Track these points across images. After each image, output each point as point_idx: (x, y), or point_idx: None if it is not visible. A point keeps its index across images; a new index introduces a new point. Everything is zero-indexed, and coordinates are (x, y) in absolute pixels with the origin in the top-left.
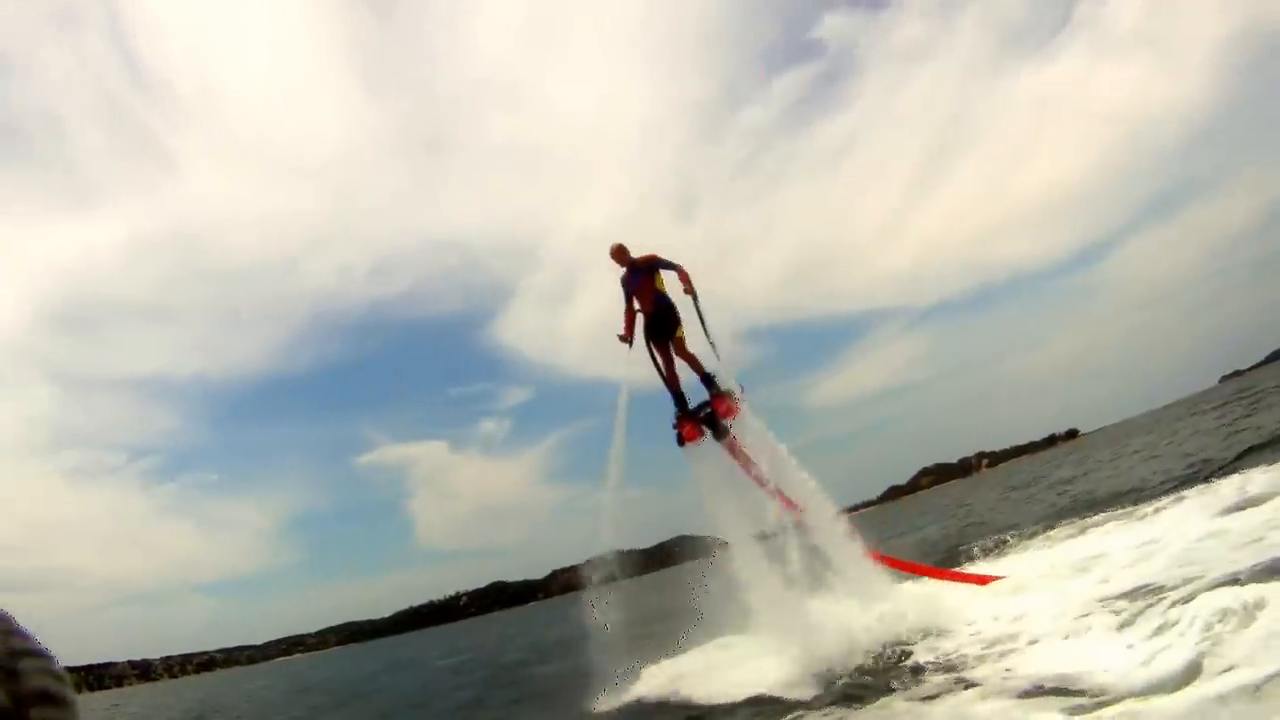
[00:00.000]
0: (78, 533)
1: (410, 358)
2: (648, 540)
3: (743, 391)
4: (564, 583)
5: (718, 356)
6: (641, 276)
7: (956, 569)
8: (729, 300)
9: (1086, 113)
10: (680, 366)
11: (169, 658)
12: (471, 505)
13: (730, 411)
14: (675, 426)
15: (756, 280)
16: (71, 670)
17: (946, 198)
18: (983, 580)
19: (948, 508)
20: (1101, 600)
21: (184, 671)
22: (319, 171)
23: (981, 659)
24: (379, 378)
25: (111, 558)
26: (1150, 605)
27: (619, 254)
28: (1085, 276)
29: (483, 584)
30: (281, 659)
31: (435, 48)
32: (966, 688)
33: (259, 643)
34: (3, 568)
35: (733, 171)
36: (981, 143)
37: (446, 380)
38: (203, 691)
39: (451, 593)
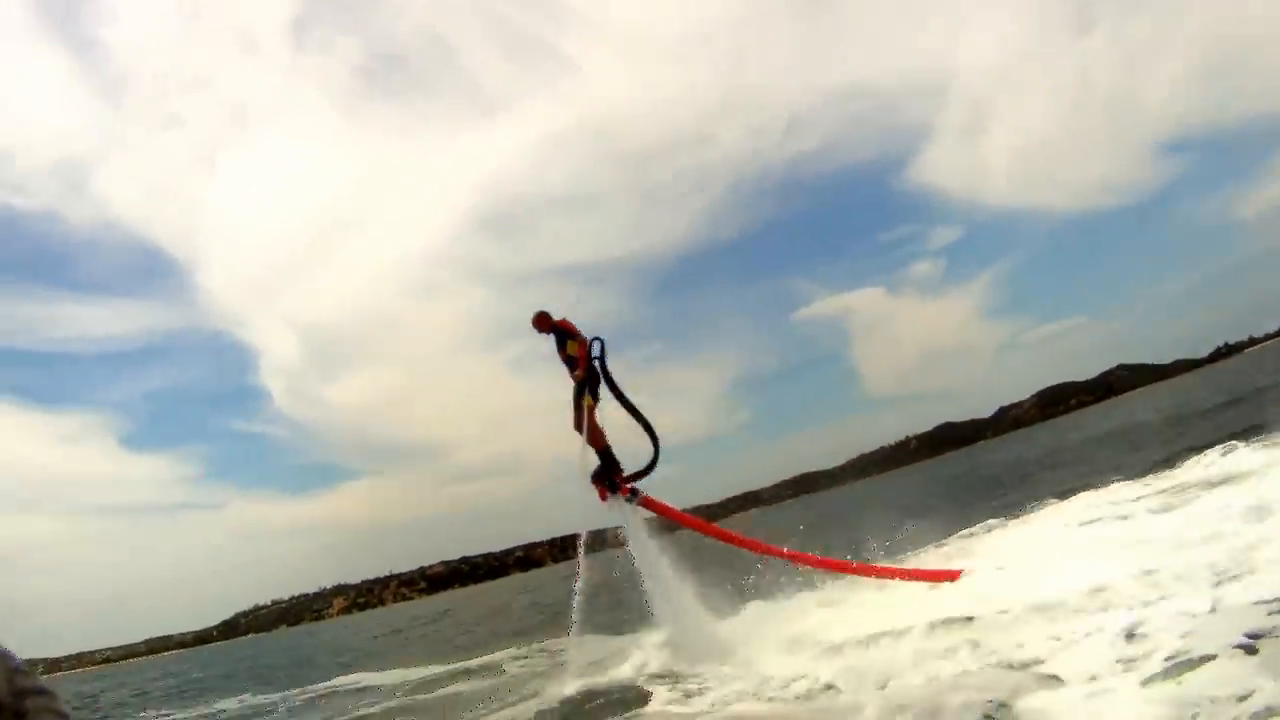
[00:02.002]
0: (530, 418)
1: (834, 209)
2: (1088, 371)
3: (634, 485)
4: (1013, 419)
5: (650, 434)
6: (559, 342)
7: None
8: (1141, 112)
9: None
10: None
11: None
12: (912, 348)
13: (623, 489)
14: (594, 480)
15: (1167, 86)
16: (536, 545)
17: None
18: (938, 576)
19: None
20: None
21: None
22: (712, 40)
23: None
24: (805, 233)
25: (565, 437)
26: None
27: (539, 322)
28: None
29: (930, 426)
30: (740, 513)
31: None
32: None
33: (716, 501)
34: (471, 458)
35: None
36: None
37: (873, 227)
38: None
39: (901, 437)
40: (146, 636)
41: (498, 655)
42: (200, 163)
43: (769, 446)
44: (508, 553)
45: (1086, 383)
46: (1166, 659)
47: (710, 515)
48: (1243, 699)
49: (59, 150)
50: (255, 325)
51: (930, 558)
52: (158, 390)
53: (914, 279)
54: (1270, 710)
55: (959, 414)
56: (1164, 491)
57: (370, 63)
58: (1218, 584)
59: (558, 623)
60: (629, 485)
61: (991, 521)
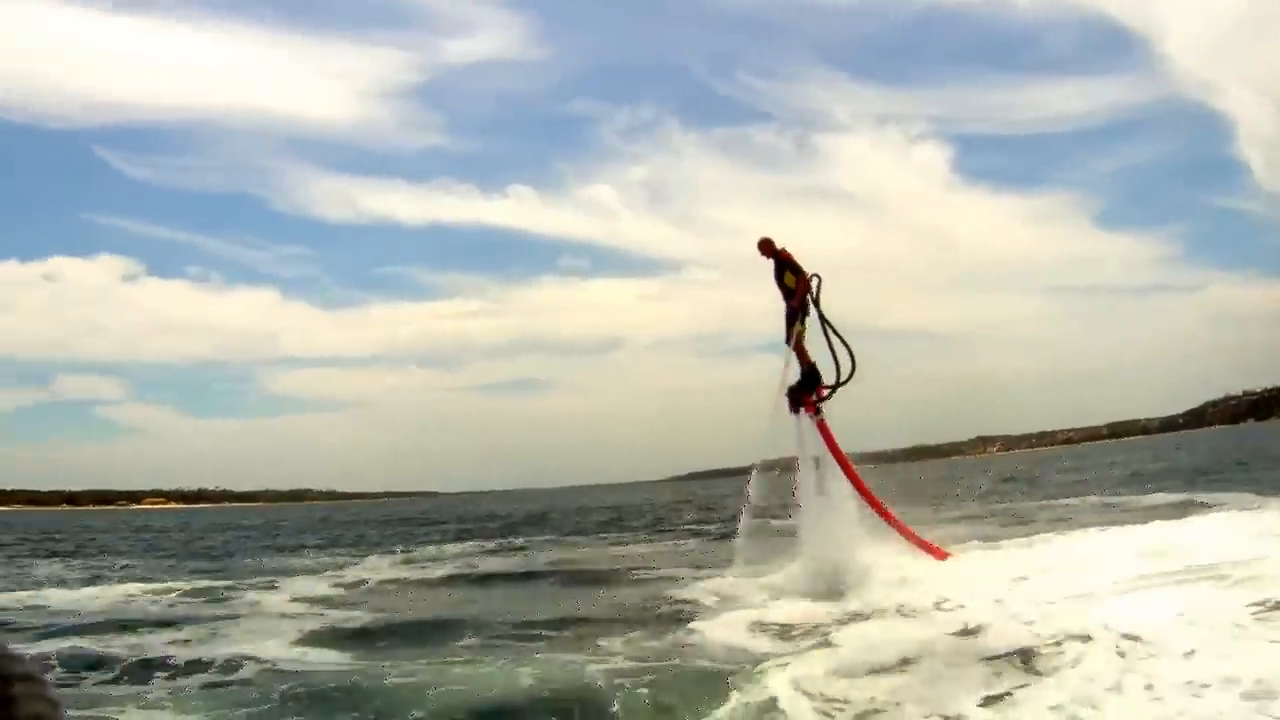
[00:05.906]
0: None
1: None
2: None
3: (826, 396)
4: None
5: (836, 361)
6: (777, 269)
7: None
8: None
9: None
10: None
11: None
12: None
13: (809, 407)
14: (789, 394)
15: None
16: None
17: None
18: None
19: None
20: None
21: None
22: None
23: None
24: None
25: None
26: None
27: (764, 247)
28: None
29: None
30: None
31: None
32: None
33: None
34: None
35: None
36: None
37: None
38: None
39: None
40: (1110, 420)
41: None
42: None
43: None
44: None
45: None
46: None
47: None
48: None
49: None
50: (1227, 93)
51: None
52: (1129, 167)
53: None
54: None
55: None
56: None
57: None
58: None
59: None
60: (818, 401)
61: None
